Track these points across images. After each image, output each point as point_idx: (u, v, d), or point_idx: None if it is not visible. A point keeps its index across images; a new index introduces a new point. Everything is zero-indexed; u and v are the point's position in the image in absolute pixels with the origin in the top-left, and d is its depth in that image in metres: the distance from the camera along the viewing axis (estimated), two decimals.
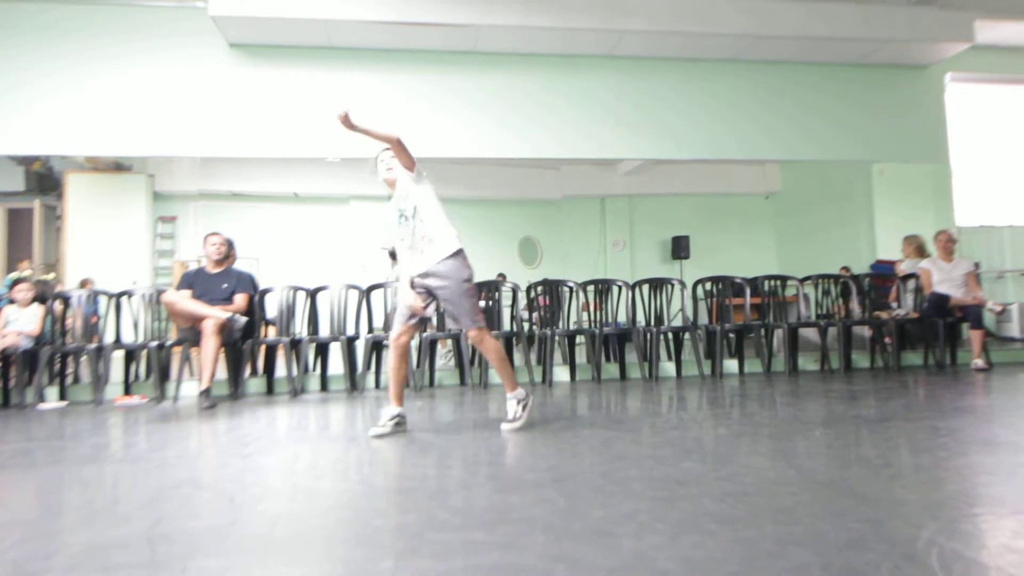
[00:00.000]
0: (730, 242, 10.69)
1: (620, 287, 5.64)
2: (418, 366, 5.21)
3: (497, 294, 5.65)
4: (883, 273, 6.67)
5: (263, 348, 5.18)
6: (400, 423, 3.22)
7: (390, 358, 3.25)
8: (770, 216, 11.04)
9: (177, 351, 5.02)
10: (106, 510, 2.05)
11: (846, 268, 6.73)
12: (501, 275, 7.13)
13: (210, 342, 4.46)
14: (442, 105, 5.96)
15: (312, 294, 5.38)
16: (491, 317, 5.55)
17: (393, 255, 7.06)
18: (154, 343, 4.88)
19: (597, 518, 1.77)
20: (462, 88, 6.02)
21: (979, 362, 5.38)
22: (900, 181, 7.76)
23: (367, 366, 5.15)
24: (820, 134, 6.52)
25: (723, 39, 6.04)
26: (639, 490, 2.04)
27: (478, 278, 3.43)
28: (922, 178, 7.55)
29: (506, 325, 5.74)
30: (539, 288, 5.72)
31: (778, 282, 5.94)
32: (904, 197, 7.68)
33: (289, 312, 5.28)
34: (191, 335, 4.67)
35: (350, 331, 5.28)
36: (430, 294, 3.25)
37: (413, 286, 3.24)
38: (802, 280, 5.97)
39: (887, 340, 5.78)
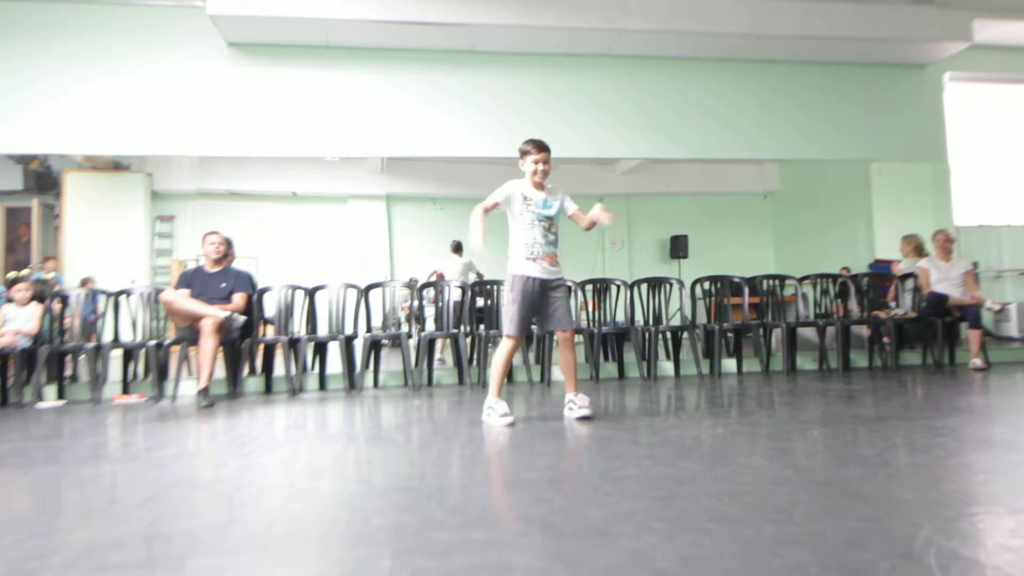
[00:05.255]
0: (728, 241, 10.69)
1: (618, 286, 5.64)
2: (416, 365, 5.22)
3: (495, 293, 5.64)
4: (881, 272, 6.67)
5: (261, 347, 5.18)
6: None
7: (507, 356, 3.41)
8: (768, 215, 11.04)
9: (175, 350, 5.02)
10: (104, 509, 2.04)
11: (846, 269, 6.73)
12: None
13: (208, 341, 4.46)
14: (440, 104, 5.96)
15: (310, 293, 5.37)
16: (491, 316, 5.55)
17: (457, 249, 7.16)
18: (152, 342, 4.88)
19: (595, 517, 1.77)
20: (460, 87, 6.01)
21: (977, 361, 5.38)
22: (898, 180, 7.77)
23: (365, 365, 5.15)
24: (819, 133, 6.52)
25: (721, 38, 6.04)
26: (637, 489, 2.04)
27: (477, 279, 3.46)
28: (920, 177, 7.55)
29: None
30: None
31: (776, 281, 5.94)
32: (902, 196, 7.68)
33: (287, 311, 5.28)
34: (189, 334, 4.67)
35: (348, 330, 5.28)
36: (541, 296, 3.40)
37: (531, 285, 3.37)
38: (800, 279, 5.97)
39: (885, 339, 5.78)
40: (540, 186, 3.44)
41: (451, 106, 5.97)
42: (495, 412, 3.34)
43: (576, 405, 3.41)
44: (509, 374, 5.42)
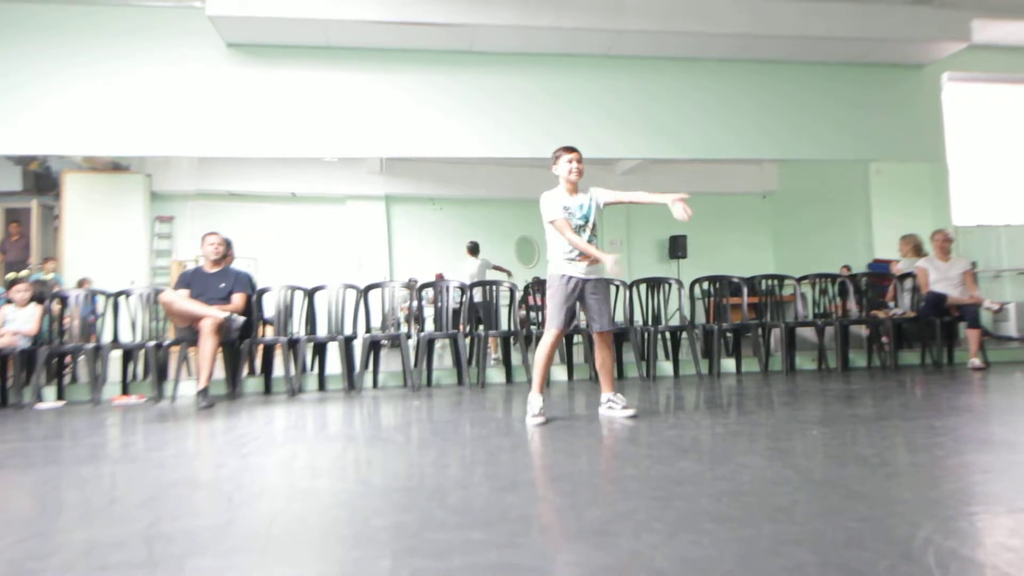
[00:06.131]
0: (727, 242, 10.70)
1: (618, 286, 5.64)
2: (415, 365, 5.22)
3: (495, 293, 5.65)
4: (880, 272, 6.68)
5: (261, 348, 5.18)
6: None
7: (548, 352, 3.46)
8: (767, 215, 11.05)
9: (175, 351, 5.02)
10: (104, 509, 2.04)
11: (847, 267, 6.73)
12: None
13: (208, 342, 4.46)
14: (439, 105, 5.96)
15: (310, 294, 5.37)
16: (489, 316, 5.55)
17: (474, 250, 7.35)
18: (152, 343, 4.87)
19: (594, 517, 1.77)
20: (459, 88, 6.01)
21: (976, 361, 5.39)
22: (897, 180, 7.78)
23: (365, 365, 5.15)
24: (817, 133, 6.53)
25: (720, 38, 6.04)
26: (636, 489, 2.04)
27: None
28: (919, 177, 7.56)
29: (503, 324, 5.75)
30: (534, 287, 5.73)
31: (775, 281, 5.94)
32: (901, 196, 7.69)
33: (287, 312, 5.27)
34: (189, 335, 4.66)
35: (348, 331, 5.28)
36: (580, 295, 3.53)
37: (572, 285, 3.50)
38: (799, 279, 5.97)
39: (884, 339, 5.79)
40: (574, 187, 3.56)
41: (450, 107, 5.97)
42: (530, 409, 3.40)
43: (618, 405, 3.51)
44: (509, 373, 5.44)
